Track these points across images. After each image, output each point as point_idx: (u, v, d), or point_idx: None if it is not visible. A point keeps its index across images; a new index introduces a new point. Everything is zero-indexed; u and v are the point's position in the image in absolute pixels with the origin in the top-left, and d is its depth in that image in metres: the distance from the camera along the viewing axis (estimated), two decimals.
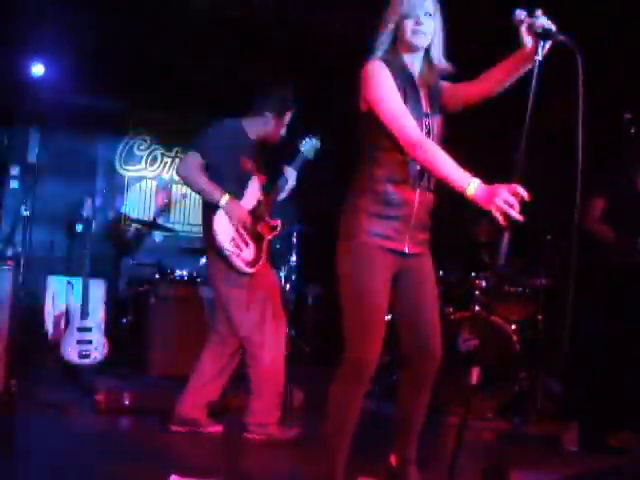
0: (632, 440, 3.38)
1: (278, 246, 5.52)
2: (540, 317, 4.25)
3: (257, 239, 3.30)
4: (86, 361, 4.41)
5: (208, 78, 5.63)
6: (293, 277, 5.70)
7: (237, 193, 3.24)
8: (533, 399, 4.12)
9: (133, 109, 6.19)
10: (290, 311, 5.58)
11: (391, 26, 2.26)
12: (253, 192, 3.32)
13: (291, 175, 3.44)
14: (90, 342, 4.47)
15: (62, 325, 4.76)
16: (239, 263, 3.19)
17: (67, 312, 4.64)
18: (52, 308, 5.11)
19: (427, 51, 2.30)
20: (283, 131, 3.40)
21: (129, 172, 6.34)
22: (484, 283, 4.38)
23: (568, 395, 3.91)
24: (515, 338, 4.12)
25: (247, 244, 3.25)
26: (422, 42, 2.24)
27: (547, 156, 5.05)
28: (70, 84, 5.48)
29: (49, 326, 5.08)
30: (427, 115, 2.29)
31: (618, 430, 3.42)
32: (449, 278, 4.43)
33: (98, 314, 4.60)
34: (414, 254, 2.29)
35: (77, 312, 4.53)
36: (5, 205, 5.72)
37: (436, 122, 2.31)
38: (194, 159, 3.19)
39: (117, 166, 6.26)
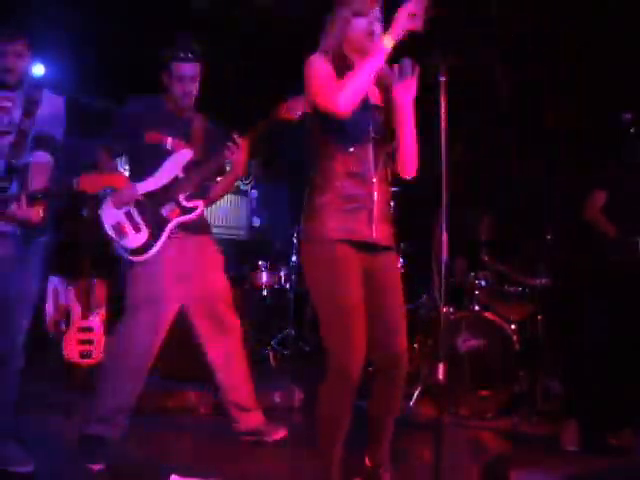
0: (632, 440, 3.38)
1: (278, 246, 5.53)
2: (540, 317, 4.25)
3: (156, 223, 2.95)
4: (87, 361, 4.41)
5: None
6: (293, 277, 5.71)
7: (144, 172, 2.99)
8: (533, 399, 4.12)
9: None
10: (291, 311, 5.60)
11: (340, 24, 2.24)
12: (168, 169, 3.00)
13: (239, 147, 3.00)
14: (90, 342, 4.47)
15: (62, 325, 4.76)
16: (120, 250, 2.93)
17: (67, 312, 4.64)
18: (52, 308, 5.10)
19: None
20: (183, 87, 3.00)
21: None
22: (484, 283, 4.39)
23: (568, 395, 3.91)
24: (515, 338, 4.12)
25: (138, 229, 2.93)
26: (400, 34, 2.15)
27: (547, 156, 5.06)
28: (70, 84, 5.47)
29: (49, 326, 5.08)
30: (377, 107, 2.27)
31: (618, 430, 3.42)
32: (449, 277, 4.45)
33: (98, 314, 4.59)
34: (383, 247, 2.27)
35: (77, 312, 4.52)
36: None
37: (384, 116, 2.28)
38: (100, 155, 3.06)
39: (117, 166, 6.25)
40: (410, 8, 2.08)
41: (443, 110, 2.09)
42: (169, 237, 2.96)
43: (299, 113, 2.91)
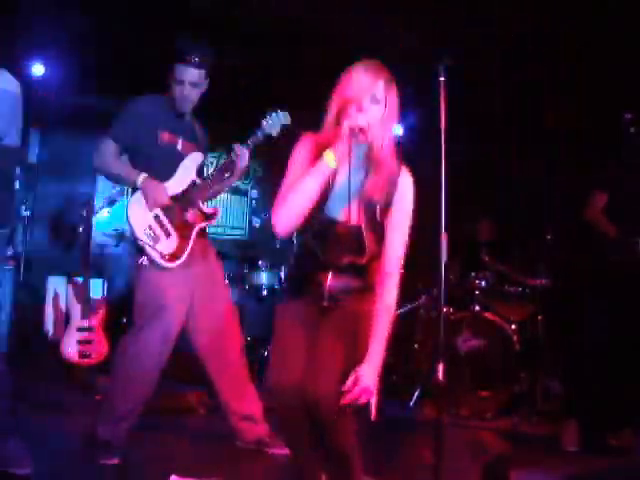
0: (632, 440, 3.38)
1: (278, 246, 5.52)
2: (540, 317, 4.25)
3: (183, 228, 2.90)
4: (86, 361, 4.41)
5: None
6: None
7: (162, 174, 2.89)
8: (533, 399, 4.12)
9: None
10: None
11: (335, 109, 2.11)
12: (185, 173, 2.94)
13: (242, 155, 2.95)
14: (90, 342, 4.47)
15: (62, 325, 4.76)
16: (154, 255, 2.82)
17: (67, 312, 4.64)
18: (52, 308, 5.10)
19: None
20: (182, 91, 2.91)
21: None
22: (484, 283, 4.39)
23: (568, 395, 3.91)
24: (515, 338, 4.12)
25: (168, 234, 2.86)
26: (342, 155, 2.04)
27: (547, 156, 5.06)
28: (70, 84, 5.47)
29: (49, 326, 5.08)
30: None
31: (618, 430, 3.42)
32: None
33: (98, 314, 4.59)
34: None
35: (77, 312, 4.52)
36: None
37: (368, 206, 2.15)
38: (106, 146, 2.89)
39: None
40: (353, 122, 2.00)
41: (443, 110, 2.09)
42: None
43: (279, 128, 2.96)
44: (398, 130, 5.97)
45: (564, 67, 4.71)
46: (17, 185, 5.72)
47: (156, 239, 2.84)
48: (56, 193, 5.71)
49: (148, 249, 2.82)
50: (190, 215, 2.93)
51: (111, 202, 5.53)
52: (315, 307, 2.15)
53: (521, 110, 5.11)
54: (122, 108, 2.94)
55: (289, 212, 2.05)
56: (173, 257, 2.85)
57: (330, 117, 2.11)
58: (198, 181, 2.97)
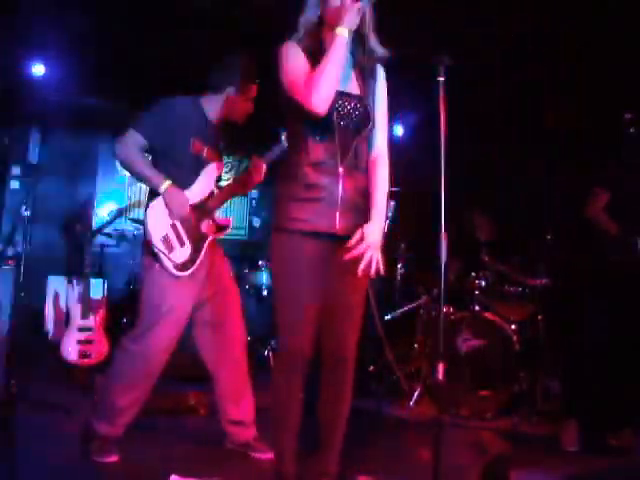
0: (632, 440, 3.38)
1: None
2: (540, 317, 4.25)
3: (197, 239, 2.91)
4: (86, 361, 4.41)
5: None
6: None
7: (186, 182, 2.87)
8: (533, 399, 4.12)
9: (133, 109, 6.18)
10: None
11: (314, 2, 2.21)
12: (206, 182, 2.93)
13: (260, 169, 3.00)
14: (90, 342, 4.47)
15: (62, 325, 4.76)
16: (167, 264, 2.82)
17: (67, 312, 4.64)
18: (52, 308, 5.10)
19: (359, 35, 2.23)
20: (249, 108, 3.01)
21: None
22: (484, 283, 4.39)
23: (568, 395, 3.91)
24: (515, 338, 4.12)
25: (182, 243, 2.87)
26: (352, 23, 2.13)
27: (547, 156, 5.06)
28: (70, 84, 5.47)
29: (49, 326, 5.08)
30: (347, 95, 2.22)
31: (618, 430, 3.42)
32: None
33: (98, 314, 4.59)
34: (342, 237, 2.20)
35: (77, 312, 4.52)
36: (5, 205, 5.72)
37: (367, 107, 2.25)
38: (134, 139, 2.82)
39: (117, 166, 6.25)
40: None
41: (443, 110, 2.09)
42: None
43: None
44: (398, 130, 5.97)
45: (564, 67, 4.71)
46: (17, 185, 5.73)
47: (171, 248, 2.84)
48: (56, 193, 5.71)
49: (162, 257, 2.82)
50: (204, 225, 2.93)
51: (116, 216, 5.56)
52: (325, 245, 2.19)
53: (521, 110, 5.11)
54: (155, 104, 2.88)
55: (326, 90, 2.08)
56: (184, 267, 2.85)
57: (308, 15, 2.22)
58: (216, 191, 2.97)
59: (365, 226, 2.16)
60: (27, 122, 5.63)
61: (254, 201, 6.85)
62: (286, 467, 2.24)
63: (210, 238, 2.95)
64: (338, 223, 2.18)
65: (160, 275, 2.85)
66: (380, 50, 2.25)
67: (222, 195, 3.00)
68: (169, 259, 2.82)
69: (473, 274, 4.39)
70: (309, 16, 2.22)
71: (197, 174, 2.90)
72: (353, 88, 2.25)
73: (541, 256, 4.27)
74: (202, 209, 2.92)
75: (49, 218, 5.70)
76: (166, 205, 2.83)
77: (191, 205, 2.88)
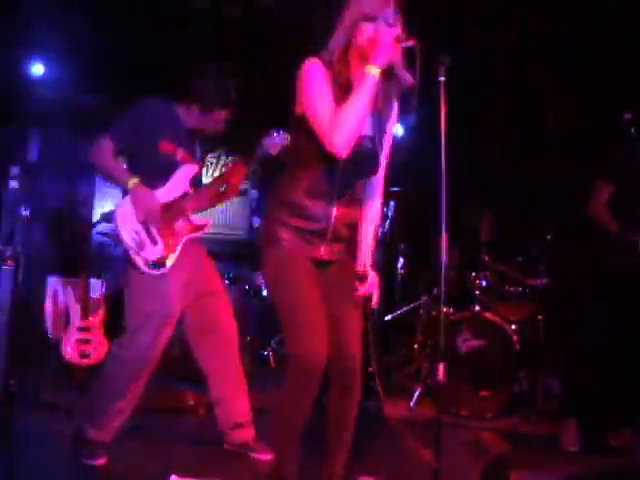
0: (632, 440, 3.38)
1: None
2: (540, 317, 4.25)
3: (170, 238, 2.89)
4: (86, 361, 4.41)
5: None
6: None
7: (157, 182, 2.88)
8: (533, 399, 4.12)
9: None
10: None
11: (347, 25, 2.11)
12: (178, 182, 2.93)
13: (238, 172, 3.04)
14: (90, 342, 4.47)
15: (62, 325, 4.76)
16: (138, 261, 2.82)
17: (67, 312, 4.64)
18: (52, 308, 5.10)
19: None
20: (218, 129, 3.03)
21: None
22: (484, 283, 4.39)
23: (568, 395, 3.91)
24: (515, 338, 4.12)
25: (155, 242, 2.85)
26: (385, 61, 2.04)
27: (547, 156, 5.06)
28: (70, 84, 5.47)
29: (49, 326, 5.08)
30: (372, 140, 2.18)
31: (618, 430, 3.42)
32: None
33: (98, 314, 4.59)
34: (331, 261, 2.25)
35: (77, 312, 4.52)
36: (5, 205, 5.72)
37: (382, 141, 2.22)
38: (105, 143, 2.86)
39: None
40: (395, 32, 2.01)
41: (443, 110, 2.09)
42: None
43: (279, 148, 2.95)
44: (398, 130, 5.97)
45: (564, 67, 4.71)
46: (17, 185, 5.73)
47: (141, 245, 2.83)
48: (56, 193, 5.71)
49: (132, 254, 2.82)
50: (179, 225, 2.92)
51: (107, 218, 5.53)
52: (313, 261, 2.21)
53: (521, 110, 5.11)
54: (128, 109, 2.91)
55: (350, 132, 2.03)
56: (156, 265, 2.83)
57: (338, 39, 2.11)
58: (191, 192, 2.96)
59: (364, 271, 2.26)
60: (27, 122, 5.63)
61: (254, 201, 6.85)
62: (287, 469, 2.23)
63: (185, 238, 2.93)
64: (323, 253, 2.21)
65: (139, 279, 2.86)
66: (408, 78, 2.13)
67: (203, 197, 2.99)
68: (139, 256, 2.82)
69: (473, 274, 4.39)
70: (340, 39, 2.13)
71: (169, 175, 2.91)
72: (364, 128, 2.17)
73: (541, 256, 4.26)
74: (175, 209, 2.92)
75: (49, 218, 5.70)
76: (132, 202, 2.84)
77: (162, 204, 2.88)
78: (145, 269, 2.82)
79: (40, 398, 3.74)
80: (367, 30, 2.07)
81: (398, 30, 2.03)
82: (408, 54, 2.06)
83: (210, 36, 5.14)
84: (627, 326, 3.38)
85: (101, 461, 2.78)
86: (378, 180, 2.33)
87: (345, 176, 2.16)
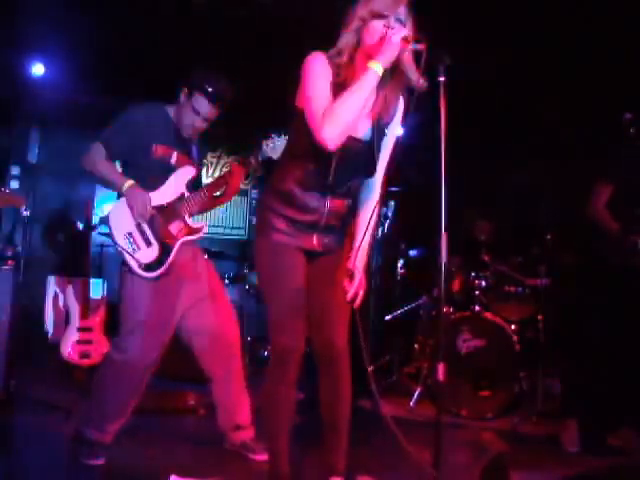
0: (632, 439, 3.38)
1: None
2: (540, 317, 4.25)
3: (165, 240, 2.89)
4: (86, 361, 4.41)
5: None
6: None
7: (152, 185, 2.88)
8: (533, 399, 4.12)
9: None
10: None
11: (357, 24, 2.09)
12: (174, 185, 2.93)
13: (237, 173, 3.00)
14: (90, 342, 4.47)
15: (62, 325, 4.76)
16: (132, 263, 2.82)
17: (67, 312, 4.64)
18: (52, 308, 5.10)
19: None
20: (194, 121, 2.92)
21: None
22: (484, 283, 4.39)
23: (568, 395, 3.91)
24: (515, 338, 4.12)
25: (149, 244, 2.85)
26: (390, 59, 2.04)
27: (548, 156, 5.06)
28: (70, 84, 5.47)
29: (49, 326, 5.08)
30: (355, 139, 2.17)
31: (618, 430, 3.42)
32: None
33: (98, 314, 4.59)
34: (321, 252, 2.28)
35: (77, 312, 4.52)
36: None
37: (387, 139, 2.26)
38: (97, 149, 2.86)
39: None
40: (403, 32, 2.01)
41: (443, 110, 2.09)
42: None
43: (279, 152, 2.90)
44: (398, 130, 5.96)
45: (564, 67, 4.70)
46: (17, 185, 5.73)
47: (136, 247, 2.83)
48: (56, 193, 5.71)
49: (126, 256, 2.82)
50: (174, 227, 2.92)
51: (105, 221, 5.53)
52: (303, 251, 2.24)
53: (521, 110, 5.10)
54: (120, 113, 2.91)
55: (342, 126, 2.02)
56: (150, 267, 2.83)
57: (347, 37, 2.11)
58: (187, 194, 2.95)
59: (355, 270, 2.27)
60: (27, 122, 5.64)
61: (254, 201, 6.85)
62: (281, 466, 2.24)
63: (181, 241, 2.92)
64: (315, 244, 2.25)
65: (133, 281, 2.85)
66: (415, 78, 2.12)
67: (201, 200, 2.97)
68: (133, 258, 2.81)
69: (473, 274, 4.39)
70: (349, 39, 2.11)
71: (165, 178, 2.91)
72: (361, 131, 2.18)
73: (541, 256, 4.26)
74: (171, 211, 2.91)
75: (47, 218, 5.70)
76: (127, 204, 2.83)
77: (157, 206, 2.88)
78: (139, 271, 2.82)
79: (39, 398, 3.74)
80: (377, 29, 2.06)
81: (407, 30, 2.03)
82: (416, 56, 2.06)
83: (210, 36, 5.14)
84: (627, 326, 3.37)
85: (101, 461, 2.79)
86: (376, 182, 2.33)
87: (338, 174, 2.18)
